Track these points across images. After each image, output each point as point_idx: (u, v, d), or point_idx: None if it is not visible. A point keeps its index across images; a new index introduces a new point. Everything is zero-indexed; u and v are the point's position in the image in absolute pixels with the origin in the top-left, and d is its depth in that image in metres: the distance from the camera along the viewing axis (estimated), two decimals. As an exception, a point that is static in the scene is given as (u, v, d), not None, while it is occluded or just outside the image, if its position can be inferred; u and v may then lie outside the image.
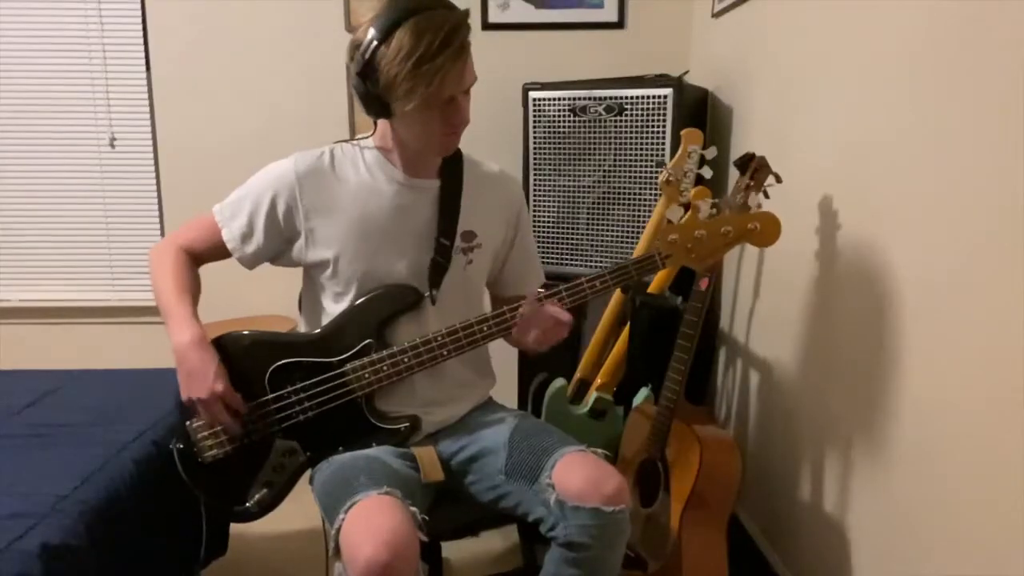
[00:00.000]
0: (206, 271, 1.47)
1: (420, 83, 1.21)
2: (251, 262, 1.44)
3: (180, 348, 1.32)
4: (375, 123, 1.40)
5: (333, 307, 1.42)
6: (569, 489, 1.25)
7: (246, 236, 1.41)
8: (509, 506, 1.36)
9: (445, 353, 1.35)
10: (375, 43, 1.22)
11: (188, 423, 1.37)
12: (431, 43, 1.19)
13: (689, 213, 1.41)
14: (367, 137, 1.44)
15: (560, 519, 1.25)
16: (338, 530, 1.17)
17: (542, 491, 1.28)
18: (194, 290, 1.40)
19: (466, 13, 1.26)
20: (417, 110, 1.24)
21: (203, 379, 1.30)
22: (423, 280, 1.42)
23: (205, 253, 1.45)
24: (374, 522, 1.14)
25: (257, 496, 1.38)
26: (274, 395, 1.37)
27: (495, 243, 1.50)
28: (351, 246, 1.39)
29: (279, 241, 1.41)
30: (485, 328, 1.35)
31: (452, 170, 1.45)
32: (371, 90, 1.26)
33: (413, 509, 1.20)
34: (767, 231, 1.39)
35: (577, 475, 1.26)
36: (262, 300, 2.51)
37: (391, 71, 1.22)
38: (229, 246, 1.42)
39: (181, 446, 1.39)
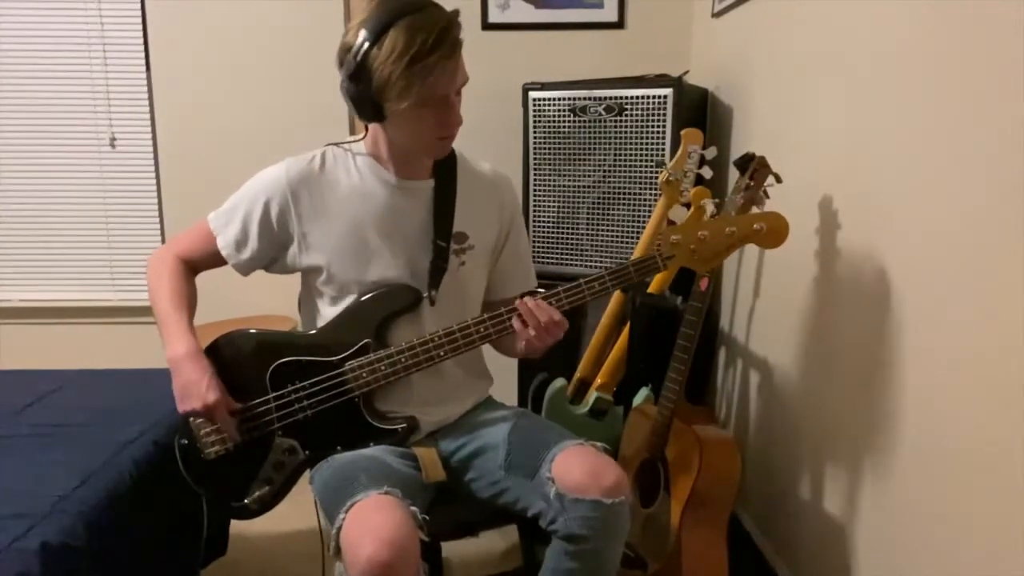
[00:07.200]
0: (208, 271, 1.47)
1: (415, 81, 1.21)
2: (246, 268, 1.44)
3: (174, 360, 1.33)
4: (366, 128, 1.39)
5: (329, 311, 1.42)
6: (569, 482, 1.25)
7: (240, 243, 1.41)
8: (509, 501, 1.36)
9: (442, 354, 1.35)
10: (367, 44, 1.21)
11: (191, 419, 1.37)
12: (425, 41, 1.19)
13: (691, 213, 1.40)
14: (358, 140, 1.42)
15: (560, 512, 1.25)
16: (338, 530, 1.17)
17: (541, 485, 1.28)
18: (190, 301, 1.42)
19: (456, 12, 1.26)
20: (411, 109, 1.24)
21: (196, 391, 1.31)
22: (421, 282, 1.41)
23: (201, 262, 1.46)
24: (374, 521, 1.14)
25: (257, 493, 1.38)
26: (274, 394, 1.38)
27: (488, 246, 1.49)
28: (344, 251, 1.38)
29: (273, 247, 1.41)
30: (482, 329, 1.34)
31: (446, 170, 1.44)
32: (363, 92, 1.25)
33: (413, 508, 1.20)
34: (774, 231, 1.36)
35: (576, 468, 1.26)
36: (263, 300, 2.51)
37: (384, 71, 1.21)
38: (224, 253, 1.42)
39: (185, 441, 1.40)
